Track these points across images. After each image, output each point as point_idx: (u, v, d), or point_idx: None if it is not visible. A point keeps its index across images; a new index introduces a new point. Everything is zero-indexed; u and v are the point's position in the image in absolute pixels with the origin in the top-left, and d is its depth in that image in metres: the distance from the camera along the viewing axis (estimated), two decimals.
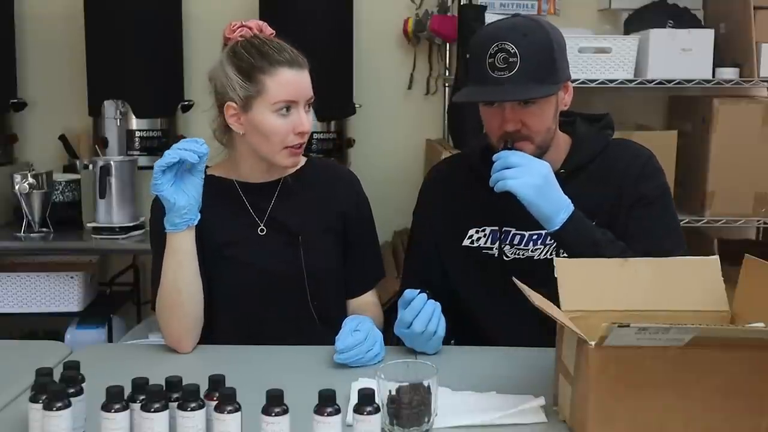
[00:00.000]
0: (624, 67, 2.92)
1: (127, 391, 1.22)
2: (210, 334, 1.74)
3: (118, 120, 3.04)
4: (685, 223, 2.86)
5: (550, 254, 1.70)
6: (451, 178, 1.84)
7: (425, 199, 1.88)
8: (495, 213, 1.73)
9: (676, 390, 1.19)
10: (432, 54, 3.38)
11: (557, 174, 1.69)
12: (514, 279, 1.39)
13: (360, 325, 1.60)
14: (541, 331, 1.45)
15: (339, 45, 3.09)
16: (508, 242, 1.73)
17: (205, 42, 3.06)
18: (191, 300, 1.68)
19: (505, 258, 1.74)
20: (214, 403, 1.19)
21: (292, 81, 1.69)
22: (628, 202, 1.69)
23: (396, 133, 3.41)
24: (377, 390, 1.22)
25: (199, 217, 1.65)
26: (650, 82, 2.91)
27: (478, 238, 1.76)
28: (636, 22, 3.12)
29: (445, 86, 3.36)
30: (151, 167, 2.98)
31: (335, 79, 3.04)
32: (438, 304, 1.59)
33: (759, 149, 2.89)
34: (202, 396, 1.21)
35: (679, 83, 2.92)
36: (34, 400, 1.22)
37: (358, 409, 1.17)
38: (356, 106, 3.19)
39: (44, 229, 2.88)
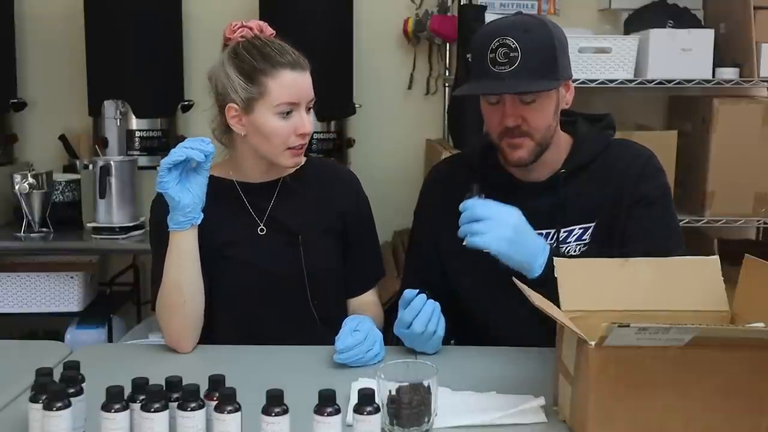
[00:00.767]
0: (624, 67, 2.92)
1: (127, 391, 1.22)
2: (210, 334, 1.74)
3: (118, 120, 3.04)
4: (685, 223, 2.86)
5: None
6: (452, 177, 1.84)
7: (425, 199, 1.88)
8: None
9: (676, 390, 1.19)
10: (432, 54, 3.37)
11: (558, 174, 1.69)
12: (514, 279, 1.39)
13: (360, 325, 1.60)
14: (541, 331, 1.45)
15: (339, 45, 3.09)
16: None
17: (205, 42, 3.06)
18: (192, 299, 1.68)
19: None
20: (214, 403, 1.19)
21: (293, 83, 1.69)
22: (628, 202, 1.68)
23: (396, 133, 3.41)
24: (377, 390, 1.22)
25: (202, 216, 1.65)
26: (650, 82, 2.91)
27: None
28: (636, 22, 3.12)
29: (445, 86, 3.36)
30: (152, 167, 3.04)
31: (335, 79, 3.04)
32: (437, 304, 1.59)
33: (759, 149, 2.89)
34: (202, 396, 1.21)
35: (679, 83, 2.92)
36: (34, 400, 1.22)
37: (358, 409, 1.17)
38: (356, 106, 3.19)
39: (44, 229, 2.88)
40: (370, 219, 1.89)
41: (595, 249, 1.67)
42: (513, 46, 1.57)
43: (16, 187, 2.82)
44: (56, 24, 3.32)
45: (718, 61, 2.93)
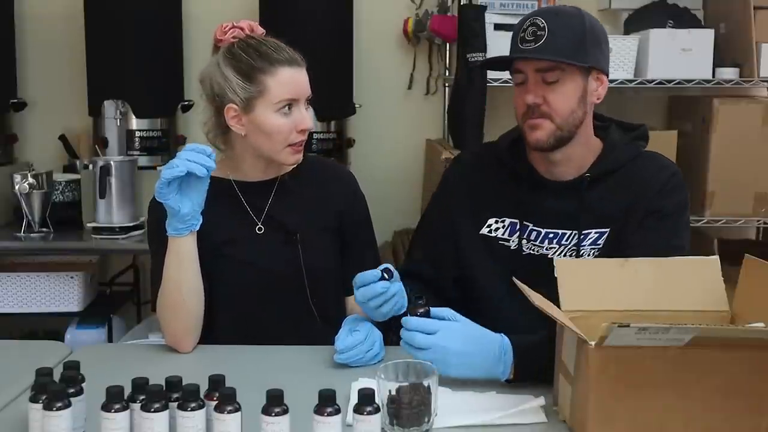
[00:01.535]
0: (624, 67, 2.92)
1: (127, 391, 1.22)
2: (210, 334, 1.74)
3: (118, 120, 3.04)
4: None
5: (564, 255, 1.70)
6: (478, 166, 1.84)
7: (449, 182, 1.87)
8: (517, 206, 1.73)
9: (676, 390, 1.19)
10: (432, 54, 3.37)
11: (583, 177, 1.69)
12: (514, 279, 1.39)
13: (359, 325, 1.60)
14: (551, 325, 1.45)
15: (339, 45, 3.09)
16: (525, 237, 1.74)
17: (205, 42, 2.99)
18: (192, 299, 1.68)
19: (521, 251, 1.74)
20: (214, 403, 1.19)
21: (292, 79, 1.70)
22: (643, 211, 1.67)
23: (396, 133, 3.41)
24: (377, 390, 1.22)
25: (201, 220, 1.65)
26: (650, 82, 2.91)
27: (497, 228, 1.76)
28: (636, 22, 3.12)
29: (445, 86, 3.36)
30: (152, 167, 3.04)
31: (335, 79, 3.04)
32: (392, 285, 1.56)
33: (759, 149, 2.89)
34: (202, 396, 1.21)
35: (679, 83, 2.92)
36: (34, 400, 1.22)
37: (358, 409, 1.17)
38: (356, 106, 3.19)
39: (44, 229, 2.88)
40: (367, 217, 1.89)
41: (607, 256, 1.66)
42: (542, 25, 1.60)
43: (16, 187, 2.82)
44: (56, 24, 3.32)
45: (718, 61, 2.93)
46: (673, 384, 1.19)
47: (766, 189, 2.92)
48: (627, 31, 3.15)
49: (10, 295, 2.87)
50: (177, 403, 1.19)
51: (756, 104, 2.95)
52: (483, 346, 1.47)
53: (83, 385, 1.27)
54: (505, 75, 2.95)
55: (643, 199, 1.68)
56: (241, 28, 1.74)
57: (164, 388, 1.22)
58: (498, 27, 3.01)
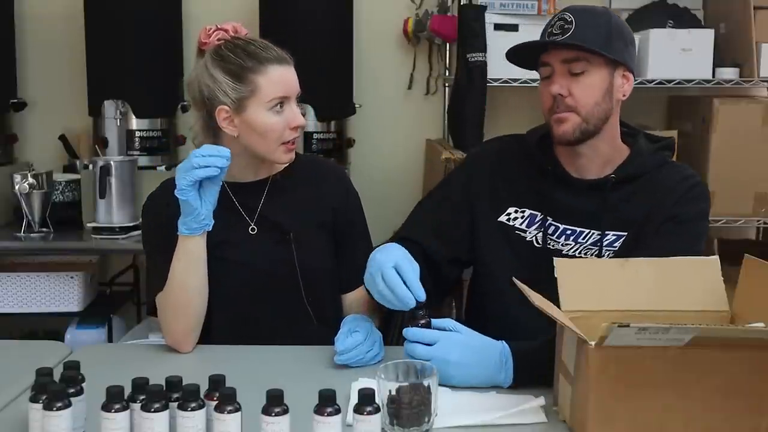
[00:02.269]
0: None
1: (127, 391, 1.22)
2: (205, 335, 1.74)
3: (118, 120, 3.04)
4: None
5: (579, 253, 1.71)
6: (504, 154, 1.84)
7: (474, 164, 1.87)
8: (539, 199, 1.74)
9: (676, 390, 1.19)
10: (432, 54, 3.37)
11: (608, 178, 1.70)
12: (513, 279, 1.39)
13: (359, 326, 1.60)
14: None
15: (339, 45, 3.09)
16: (543, 230, 1.74)
17: None
18: (197, 300, 1.69)
19: (536, 244, 1.74)
20: (214, 403, 1.19)
21: (282, 77, 1.71)
22: (662, 217, 1.68)
23: (396, 133, 3.41)
24: (377, 390, 1.22)
25: (213, 222, 1.65)
26: (650, 82, 2.91)
27: (515, 218, 1.76)
28: (636, 22, 3.11)
29: (445, 86, 3.36)
30: (152, 167, 3.03)
31: (335, 79, 3.03)
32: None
33: (759, 149, 2.89)
34: (202, 396, 1.21)
35: (679, 83, 2.92)
36: (34, 400, 1.22)
37: (358, 409, 1.17)
38: (356, 106, 3.18)
39: (44, 229, 2.88)
40: (361, 214, 1.89)
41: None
42: (569, 19, 1.63)
43: (16, 187, 2.82)
44: (56, 24, 3.32)
45: (718, 61, 2.93)
46: (673, 384, 1.19)
47: (766, 189, 2.92)
48: None
49: (10, 295, 2.87)
50: (177, 403, 1.19)
51: (756, 104, 2.95)
52: (483, 355, 1.48)
53: (83, 385, 1.27)
54: (506, 75, 2.97)
55: (663, 206, 1.68)
56: (226, 30, 1.75)
57: (164, 388, 1.22)
58: (498, 27, 3.01)
